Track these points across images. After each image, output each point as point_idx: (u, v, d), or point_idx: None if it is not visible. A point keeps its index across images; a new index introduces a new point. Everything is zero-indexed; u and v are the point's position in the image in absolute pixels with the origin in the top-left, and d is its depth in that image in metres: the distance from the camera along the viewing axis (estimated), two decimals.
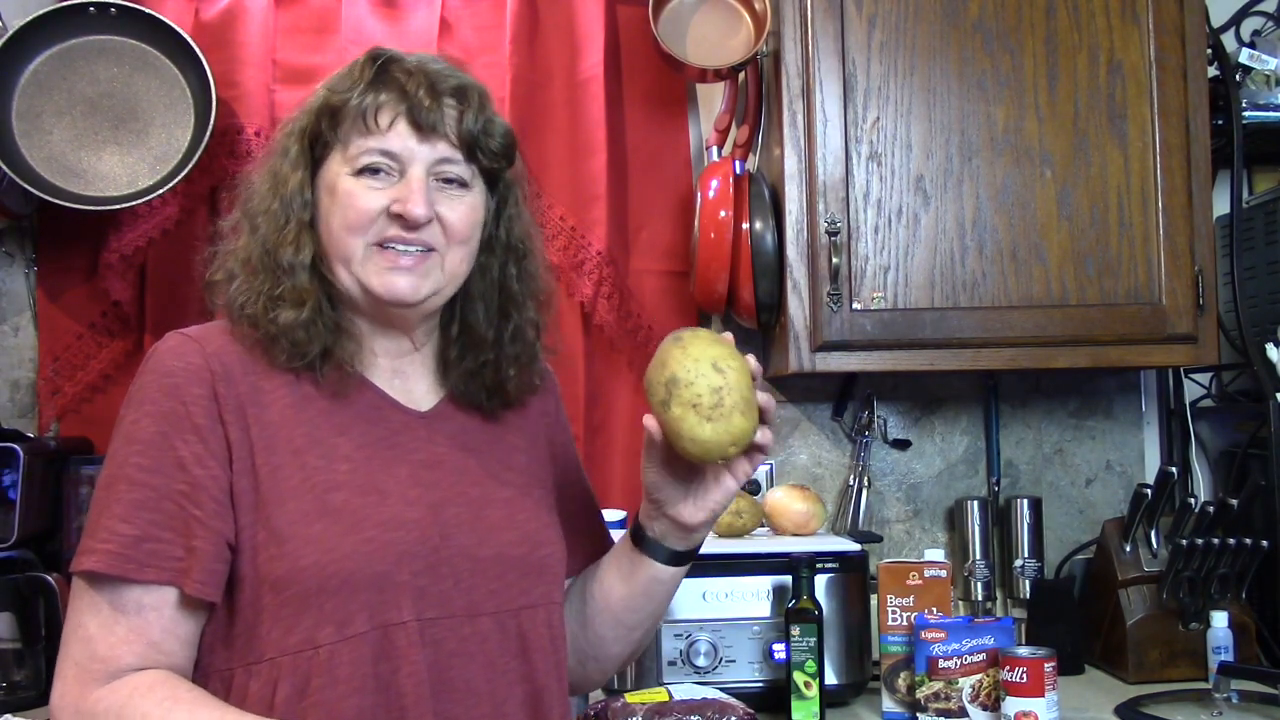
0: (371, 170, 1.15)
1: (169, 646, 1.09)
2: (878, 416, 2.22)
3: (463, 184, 1.19)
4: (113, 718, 1.04)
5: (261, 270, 1.17)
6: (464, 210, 1.19)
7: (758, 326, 2.07)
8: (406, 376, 1.24)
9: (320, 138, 1.18)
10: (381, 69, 1.17)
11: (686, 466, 1.21)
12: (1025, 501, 2.16)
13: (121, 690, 1.05)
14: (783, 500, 1.98)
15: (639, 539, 1.28)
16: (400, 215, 1.14)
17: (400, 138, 1.15)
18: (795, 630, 1.68)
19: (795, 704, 1.67)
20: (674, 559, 1.28)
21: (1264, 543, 1.83)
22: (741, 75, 2.12)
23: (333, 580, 1.09)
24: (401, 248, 1.15)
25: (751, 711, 1.56)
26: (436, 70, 1.18)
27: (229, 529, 1.10)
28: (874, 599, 1.85)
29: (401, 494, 1.16)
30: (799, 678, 1.67)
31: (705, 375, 1.13)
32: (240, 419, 1.12)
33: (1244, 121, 2.06)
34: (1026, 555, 2.14)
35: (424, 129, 1.15)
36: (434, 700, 1.11)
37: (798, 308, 1.91)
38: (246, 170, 1.26)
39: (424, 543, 1.14)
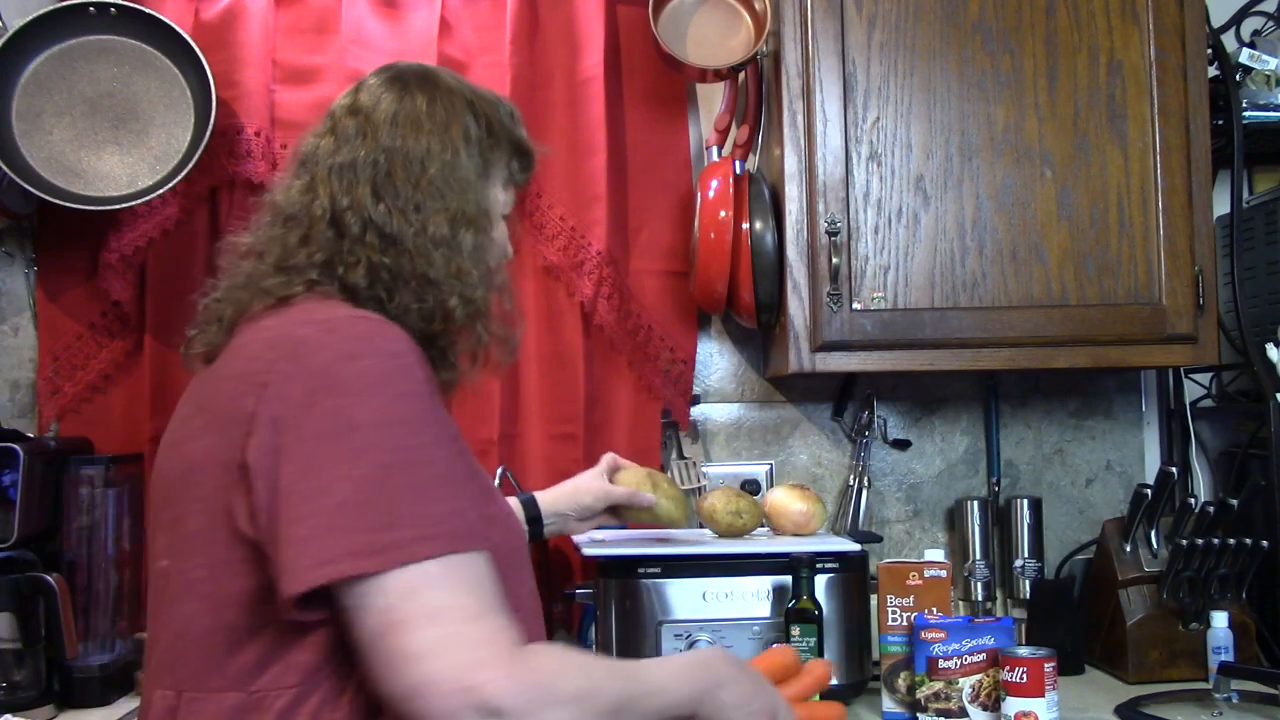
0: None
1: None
2: (878, 416, 2.22)
3: None
4: (573, 672, 1.02)
5: (474, 271, 1.22)
6: None
7: (758, 326, 2.07)
8: None
9: (493, 166, 1.29)
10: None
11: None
12: (1025, 501, 2.16)
13: (549, 653, 1.05)
14: (783, 500, 1.97)
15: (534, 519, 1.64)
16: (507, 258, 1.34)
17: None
18: (795, 630, 1.68)
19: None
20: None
21: (1264, 543, 1.83)
22: (741, 75, 2.12)
23: (517, 554, 1.23)
24: None
25: None
26: None
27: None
28: (874, 599, 1.85)
29: None
30: None
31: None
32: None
33: (1244, 121, 2.05)
34: (1026, 555, 2.14)
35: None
36: None
37: (798, 308, 1.91)
38: (421, 159, 1.22)
39: None
